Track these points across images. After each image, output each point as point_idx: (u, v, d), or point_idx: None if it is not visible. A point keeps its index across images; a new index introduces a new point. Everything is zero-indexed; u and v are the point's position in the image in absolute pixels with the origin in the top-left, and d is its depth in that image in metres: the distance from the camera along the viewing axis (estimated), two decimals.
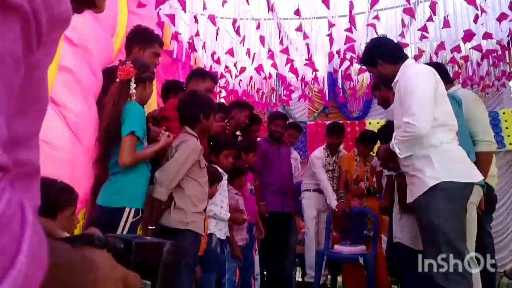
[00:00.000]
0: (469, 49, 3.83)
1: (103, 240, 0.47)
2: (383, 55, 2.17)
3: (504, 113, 4.77)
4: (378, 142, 3.30)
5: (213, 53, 3.76)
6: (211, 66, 3.88)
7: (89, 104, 2.01)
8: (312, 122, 5.43)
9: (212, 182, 2.34)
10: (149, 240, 0.56)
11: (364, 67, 4.04)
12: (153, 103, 3.34)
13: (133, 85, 1.86)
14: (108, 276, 0.42)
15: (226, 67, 3.96)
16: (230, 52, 3.60)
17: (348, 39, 3.05)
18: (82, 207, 2.04)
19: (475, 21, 3.22)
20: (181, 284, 1.96)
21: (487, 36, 3.45)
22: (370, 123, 5.20)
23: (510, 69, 4.32)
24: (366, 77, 4.90)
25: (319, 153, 3.80)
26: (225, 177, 2.69)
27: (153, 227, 1.93)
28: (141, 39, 2.30)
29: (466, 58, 3.92)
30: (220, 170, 2.57)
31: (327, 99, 4.93)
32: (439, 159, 1.91)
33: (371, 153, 3.68)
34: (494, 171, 2.52)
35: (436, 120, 1.93)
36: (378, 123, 5.11)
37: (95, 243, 0.45)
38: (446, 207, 1.85)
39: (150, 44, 2.31)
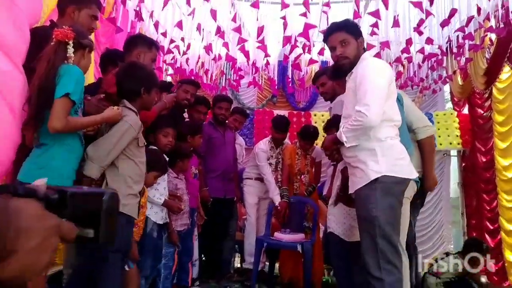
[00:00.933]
0: (416, 52, 4.01)
1: (29, 190, 0.46)
2: (360, 34, 2.15)
3: (437, 115, 5.12)
4: (323, 133, 3.34)
5: (157, 23, 3.50)
6: (157, 39, 3.64)
7: (15, 62, 1.74)
8: (260, 109, 5.40)
9: (150, 167, 2.16)
10: (86, 189, 0.55)
11: (315, 59, 4.11)
12: (90, 74, 3.05)
13: (71, 49, 1.64)
14: (32, 226, 0.41)
15: (172, 41, 3.73)
16: (179, 25, 3.39)
17: (307, 26, 3.02)
18: (1, 181, 1.79)
19: (420, 25, 3.36)
20: (111, 268, 1.82)
21: (429, 41, 3.62)
22: (315, 115, 5.30)
23: (446, 74, 4.62)
24: (314, 69, 4.95)
25: (263, 146, 3.75)
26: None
27: None
28: None
29: (410, 59, 4.10)
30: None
31: (276, 88, 4.92)
32: (383, 154, 1.94)
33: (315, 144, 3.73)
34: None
35: (384, 114, 1.96)
36: (322, 115, 5.23)
37: (19, 192, 0.45)
38: (385, 200, 1.90)
39: (87, 4, 2.06)
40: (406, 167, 2.00)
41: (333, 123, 2.53)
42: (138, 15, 3.31)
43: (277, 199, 3.53)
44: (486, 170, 4.68)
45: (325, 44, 2.37)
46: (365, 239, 1.95)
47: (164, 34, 3.61)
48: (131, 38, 2.48)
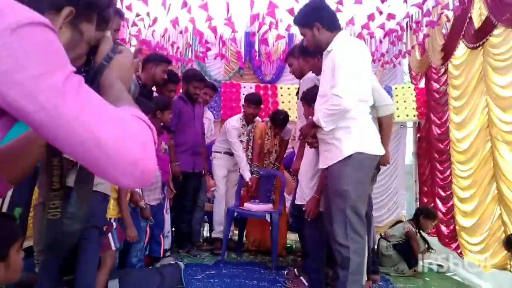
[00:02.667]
0: (376, 27, 4.15)
1: None
2: (324, 20, 2.18)
3: (396, 88, 5.37)
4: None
5: None
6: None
7: None
8: (227, 82, 5.41)
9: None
10: None
11: (282, 35, 4.16)
12: None
13: None
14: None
15: (138, 15, 3.63)
16: (144, 0, 3.30)
17: (271, 5, 3.05)
18: None
19: (383, 1, 3.48)
20: (90, 243, 1.91)
21: (390, 17, 3.77)
22: (281, 88, 5.39)
23: (405, 48, 4.83)
24: (281, 43, 4.99)
25: (235, 123, 3.82)
26: None
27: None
28: None
29: (371, 35, 4.25)
30: None
31: (243, 60, 4.94)
32: (357, 132, 2.08)
33: None
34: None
35: (359, 94, 2.07)
36: (288, 88, 5.34)
37: None
38: (356, 175, 2.06)
39: None
40: (376, 144, 2.17)
41: (306, 98, 2.62)
42: None
43: (247, 175, 3.68)
44: (441, 141, 5.01)
45: (291, 21, 2.44)
46: (335, 210, 2.12)
47: (129, 8, 3.50)
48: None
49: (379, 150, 2.18)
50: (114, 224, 2.17)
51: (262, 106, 3.97)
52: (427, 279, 3.44)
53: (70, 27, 0.65)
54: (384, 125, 2.60)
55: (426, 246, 3.68)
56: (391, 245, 3.57)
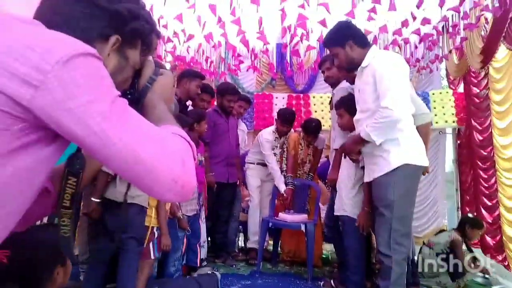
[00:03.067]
0: (411, 33, 4.07)
1: None
2: (356, 37, 2.22)
3: (433, 93, 5.21)
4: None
5: (160, 17, 3.55)
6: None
7: None
8: (260, 93, 5.48)
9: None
10: None
11: (313, 45, 4.18)
12: None
13: None
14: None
15: (174, 32, 3.78)
16: (179, 18, 3.44)
17: (301, 17, 3.08)
18: None
19: (418, 7, 3.41)
20: (129, 256, 1.99)
21: (425, 21, 3.68)
22: (314, 97, 5.38)
23: (442, 53, 4.68)
24: (313, 54, 5.00)
25: (268, 136, 3.83)
26: None
27: (98, 200, 1.90)
28: None
29: (406, 40, 4.16)
30: None
31: (275, 71, 4.98)
32: (405, 143, 2.09)
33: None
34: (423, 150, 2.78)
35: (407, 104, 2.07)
36: (321, 97, 5.32)
37: None
38: (403, 186, 2.06)
39: None
40: (422, 156, 2.16)
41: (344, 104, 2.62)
42: None
43: (282, 187, 3.69)
44: (483, 148, 4.80)
45: (322, 30, 2.47)
46: (380, 220, 2.12)
47: (166, 26, 3.65)
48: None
49: (425, 161, 2.17)
50: (156, 234, 2.25)
51: (294, 122, 3.95)
52: None
53: (117, 53, 0.70)
54: (421, 134, 2.54)
55: (472, 257, 3.50)
56: (435, 253, 3.42)
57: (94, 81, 0.57)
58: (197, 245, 3.14)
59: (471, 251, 3.54)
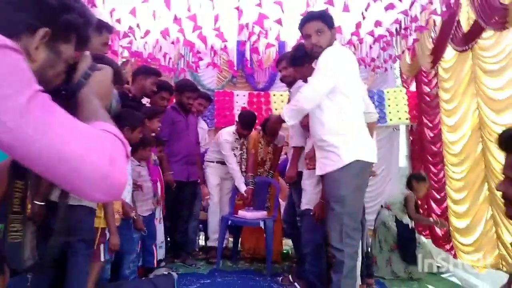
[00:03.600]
0: (366, 34, 4.20)
1: None
2: (334, 26, 2.28)
3: (388, 92, 5.41)
4: None
5: (112, 10, 3.43)
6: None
7: None
8: (220, 90, 5.45)
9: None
10: None
11: (272, 43, 4.20)
12: None
13: None
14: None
15: (130, 27, 3.67)
16: (133, 12, 3.33)
17: (260, 15, 3.09)
18: None
19: (366, 9, 3.54)
20: (79, 260, 1.92)
21: (377, 23, 3.82)
22: (274, 95, 5.43)
23: (395, 53, 4.88)
24: (272, 51, 5.04)
25: (228, 137, 3.82)
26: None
27: (42, 203, 1.81)
28: None
29: (361, 41, 4.30)
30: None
31: (235, 69, 4.97)
32: (355, 139, 2.13)
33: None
34: (374, 146, 2.87)
35: (351, 102, 2.13)
36: (281, 95, 5.38)
37: None
38: (354, 182, 2.11)
39: None
40: (373, 152, 2.22)
41: None
42: (91, 1, 3.21)
43: (242, 188, 3.70)
44: (434, 144, 5.05)
45: (280, 30, 2.49)
46: (331, 215, 2.16)
47: (119, 21, 3.53)
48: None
49: (375, 158, 2.23)
50: (108, 235, 2.18)
51: (255, 125, 3.96)
52: (423, 281, 3.45)
53: (47, 47, 0.66)
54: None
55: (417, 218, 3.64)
56: (393, 215, 3.57)
57: (10, 74, 0.53)
58: (153, 246, 3.08)
59: (417, 210, 3.67)
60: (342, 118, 2.14)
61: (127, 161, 0.65)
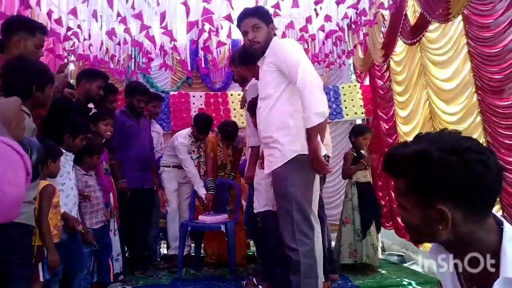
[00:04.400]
0: (317, 30, 4.21)
1: None
2: (271, 21, 2.24)
3: (343, 87, 5.48)
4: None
5: (50, 12, 3.19)
6: (51, 28, 3.32)
7: None
8: (175, 92, 5.29)
9: (55, 157, 2.11)
10: None
11: (224, 41, 4.11)
12: None
13: None
14: None
15: (69, 28, 3.43)
16: (73, 12, 3.11)
17: (206, 11, 2.99)
18: None
19: (316, 3, 3.54)
20: (15, 281, 1.73)
21: (327, 19, 3.84)
22: (232, 95, 5.34)
23: (348, 48, 4.95)
24: (225, 50, 4.95)
25: (184, 140, 3.69)
26: (71, 157, 2.42)
27: None
28: None
29: (313, 37, 4.30)
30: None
31: (190, 69, 4.84)
32: (297, 133, 2.07)
33: None
34: (329, 141, 2.86)
35: (297, 96, 2.06)
36: (239, 94, 5.29)
37: None
38: (300, 177, 2.06)
39: None
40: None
41: (252, 108, 2.58)
42: (24, 2, 2.96)
43: (202, 192, 3.58)
44: (389, 136, 5.16)
45: (230, 26, 2.42)
46: (281, 214, 2.11)
47: (59, 22, 3.29)
48: (7, 22, 2.16)
49: (322, 150, 2.17)
50: (46, 253, 2.00)
51: (211, 128, 3.86)
52: (385, 272, 3.49)
53: None
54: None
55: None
56: (354, 184, 3.48)
57: None
58: (109, 260, 2.90)
59: (361, 158, 3.52)
60: (288, 113, 2.10)
61: (24, 175, 0.60)
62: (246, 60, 2.68)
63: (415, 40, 4.29)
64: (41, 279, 1.94)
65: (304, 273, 2.00)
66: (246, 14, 2.23)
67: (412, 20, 4.28)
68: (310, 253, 2.05)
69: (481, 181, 0.76)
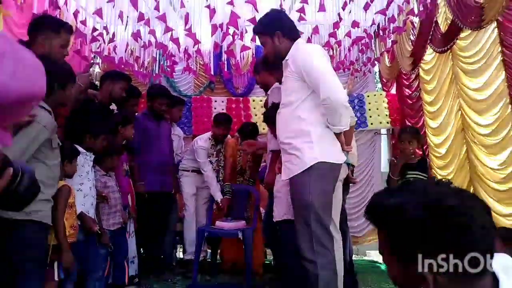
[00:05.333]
0: (344, 36, 4.11)
1: None
2: (284, 28, 2.16)
3: (368, 95, 5.34)
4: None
5: (76, 12, 3.24)
6: (77, 29, 3.36)
7: None
8: (198, 97, 5.29)
9: (71, 158, 2.11)
10: None
11: (248, 45, 4.07)
12: None
13: None
14: None
15: (95, 29, 3.47)
16: (99, 13, 3.15)
17: (233, 14, 2.95)
18: None
19: (343, 8, 3.45)
20: (28, 280, 1.71)
21: (354, 24, 3.74)
22: (253, 100, 5.29)
23: (374, 56, 4.81)
24: (249, 55, 4.91)
25: (204, 143, 3.68)
26: (90, 157, 2.42)
27: None
28: None
29: (339, 43, 4.21)
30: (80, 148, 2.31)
31: (212, 73, 4.82)
32: (317, 140, 2.00)
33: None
34: (354, 150, 2.75)
35: (319, 103, 2.00)
36: (261, 100, 5.24)
37: None
38: (319, 185, 1.97)
39: None
40: (338, 153, 2.08)
41: (272, 111, 2.51)
42: (53, 3, 3.01)
43: (218, 196, 3.53)
44: None
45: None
46: (299, 224, 2.02)
47: (84, 23, 3.33)
48: (34, 21, 2.15)
49: (342, 158, 2.09)
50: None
51: (231, 125, 3.84)
52: None
53: None
54: (345, 135, 2.48)
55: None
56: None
57: None
58: (125, 262, 2.87)
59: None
60: (308, 121, 2.03)
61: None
62: (269, 65, 2.65)
63: (445, 48, 4.13)
64: (56, 278, 1.92)
65: (322, 287, 1.90)
66: (254, 32, 2.34)
67: (443, 27, 4.13)
68: (330, 265, 1.95)
69: (459, 243, 0.68)
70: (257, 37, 2.47)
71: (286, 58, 2.14)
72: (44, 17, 2.48)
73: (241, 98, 5.31)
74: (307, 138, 2.01)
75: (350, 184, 3.00)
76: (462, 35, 3.88)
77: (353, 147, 2.53)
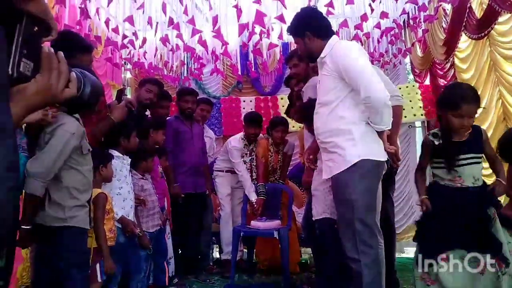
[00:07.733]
0: (373, 27, 4.01)
1: None
2: (313, 28, 2.13)
3: (400, 88, 5.17)
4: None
5: (107, 20, 3.33)
6: (108, 37, 3.46)
7: None
8: (226, 98, 5.32)
9: (105, 161, 2.16)
10: None
11: (275, 43, 4.05)
12: None
13: None
14: None
15: (125, 36, 3.56)
16: (130, 20, 3.22)
17: (258, 13, 2.94)
18: None
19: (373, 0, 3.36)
20: (71, 285, 1.76)
21: (383, 15, 3.63)
22: (282, 98, 5.26)
23: (405, 47, 4.67)
24: (276, 52, 4.88)
25: (237, 143, 3.70)
26: (127, 161, 2.47)
27: (28, 227, 1.66)
28: None
29: (367, 35, 4.11)
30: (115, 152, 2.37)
31: (240, 73, 4.83)
32: (360, 137, 1.96)
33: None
34: (399, 143, 2.65)
35: (359, 97, 1.96)
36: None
37: None
38: (362, 183, 1.93)
39: None
40: (381, 150, 2.02)
41: (309, 108, 2.47)
42: (84, 13, 3.12)
43: (253, 196, 3.53)
44: None
45: (282, 28, 2.37)
46: (342, 223, 2.00)
47: (116, 30, 3.43)
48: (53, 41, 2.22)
49: (384, 156, 2.03)
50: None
51: (261, 123, 3.83)
52: None
53: None
54: (394, 115, 2.37)
55: None
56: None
57: None
58: (165, 263, 2.92)
59: None
60: (349, 119, 1.98)
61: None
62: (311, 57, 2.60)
63: (482, 34, 3.95)
64: (99, 279, 1.97)
65: (366, 285, 1.85)
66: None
67: (478, 12, 3.95)
68: (374, 264, 1.90)
69: None
70: (283, 34, 2.45)
71: (322, 55, 2.10)
72: (60, 37, 2.52)
73: (269, 97, 5.30)
74: (349, 136, 1.97)
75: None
76: (501, 19, 3.70)
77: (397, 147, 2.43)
